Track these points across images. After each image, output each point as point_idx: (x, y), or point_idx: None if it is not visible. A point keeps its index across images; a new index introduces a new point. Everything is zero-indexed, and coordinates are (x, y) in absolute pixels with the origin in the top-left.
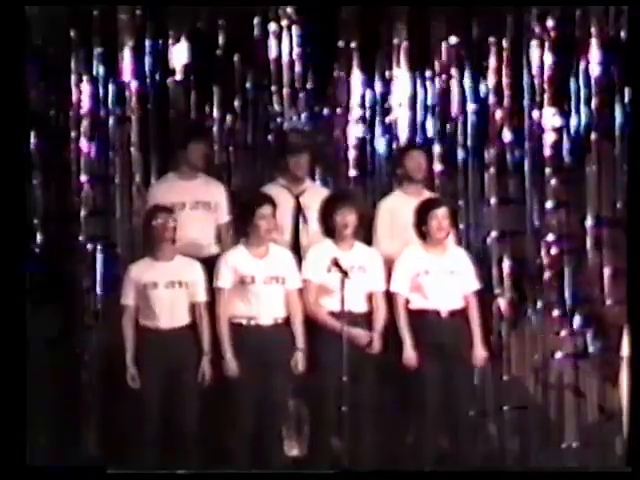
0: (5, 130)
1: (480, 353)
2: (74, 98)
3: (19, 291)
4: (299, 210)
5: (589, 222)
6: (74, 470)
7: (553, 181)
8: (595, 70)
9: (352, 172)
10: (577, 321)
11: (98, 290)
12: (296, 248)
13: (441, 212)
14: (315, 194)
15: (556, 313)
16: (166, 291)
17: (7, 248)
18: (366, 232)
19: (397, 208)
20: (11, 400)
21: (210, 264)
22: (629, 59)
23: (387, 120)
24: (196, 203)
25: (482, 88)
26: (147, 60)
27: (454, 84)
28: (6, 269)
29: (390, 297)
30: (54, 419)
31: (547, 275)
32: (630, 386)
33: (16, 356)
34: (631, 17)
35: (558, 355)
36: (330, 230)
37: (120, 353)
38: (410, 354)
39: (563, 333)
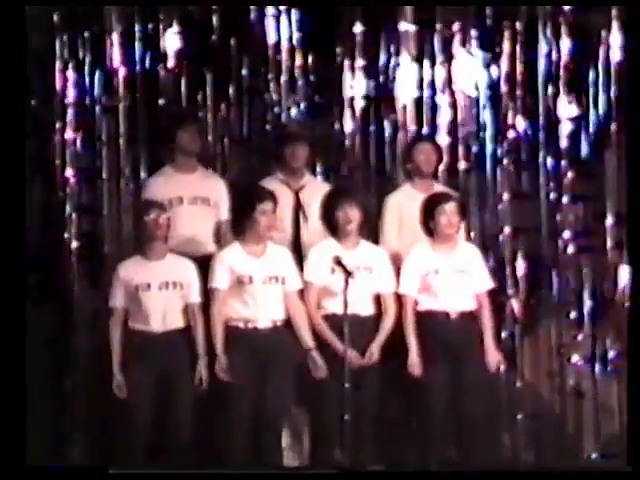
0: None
1: (493, 357)
2: (58, 86)
3: (19, 291)
4: (299, 206)
5: (609, 218)
6: (74, 470)
7: (570, 174)
8: (616, 55)
9: (355, 166)
10: (595, 324)
11: (84, 291)
12: (296, 247)
13: (450, 207)
14: (316, 190)
15: (573, 315)
16: (159, 293)
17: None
18: (371, 229)
19: (406, 204)
20: (11, 400)
21: (206, 264)
22: None
23: (393, 110)
24: (194, 198)
25: (494, 75)
26: (137, 45)
27: (464, 71)
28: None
29: (399, 299)
30: (54, 419)
31: (563, 275)
32: (630, 385)
33: (16, 356)
34: None
35: (575, 359)
36: (333, 227)
37: (108, 358)
38: (415, 361)
39: (580, 337)
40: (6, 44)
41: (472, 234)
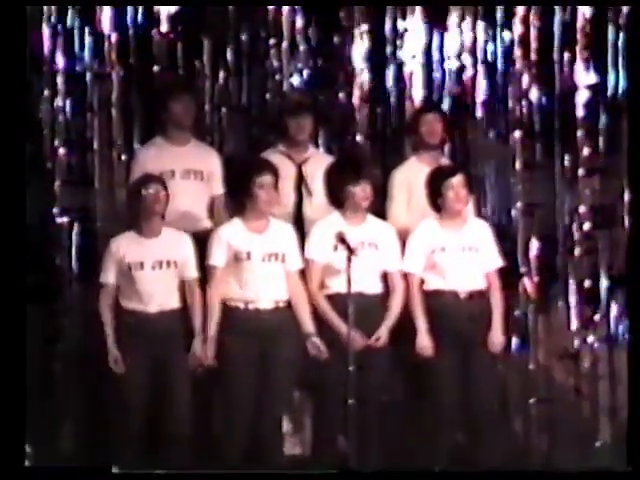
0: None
1: (497, 338)
2: (46, 52)
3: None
4: (302, 180)
5: (627, 192)
6: (76, 470)
7: (586, 145)
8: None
9: (359, 136)
10: (612, 303)
11: (74, 268)
12: (299, 223)
13: (457, 180)
14: (319, 162)
15: (589, 294)
16: (153, 272)
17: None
18: (378, 203)
19: (413, 178)
20: (10, 400)
21: (201, 240)
22: None
23: (400, 77)
24: (187, 172)
25: (507, 40)
26: (129, 9)
27: (475, 35)
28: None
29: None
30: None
31: (578, 252)
32: (630, 385)
33: (15, 356)
34: None
35: (590, 341)
36: (338, 201)
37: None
38: (425, 341)
39: (597, 317)
40: (6, 44)
41: (482, 210)
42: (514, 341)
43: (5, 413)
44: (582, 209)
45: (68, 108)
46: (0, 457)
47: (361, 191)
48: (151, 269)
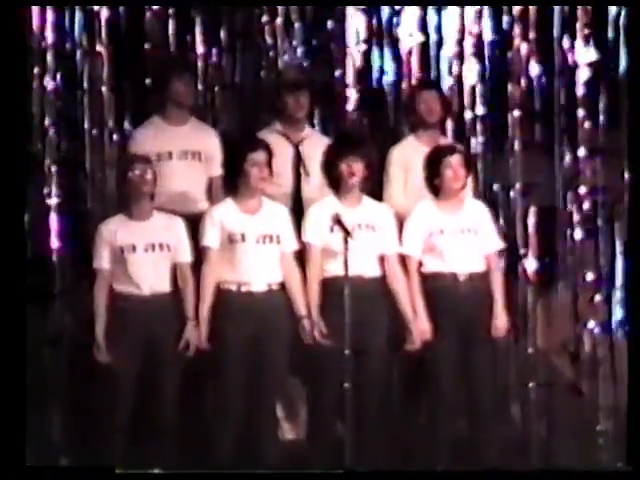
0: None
1: (501, 322)
2: (35, 28)
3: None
4: (299, 161)
5: (627, 173)
6: (76, 470)
7: (587, 124)
8: None
9: (356, 114)
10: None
11: (64, 252)
12: (297, 204)
13: (455, 159)
14: (317, 142)
15: (590, 277)
16: (146, 255)
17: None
18: (375, 184)
19: (411, 158)
20: (11, 400)
21: (197, 223)
22: None
23: (396, 55)
24: (184, 153)
25: (505, 16)
26: None
27: (473, 11)
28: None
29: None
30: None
31: (579, 233)
32: (630, 385)
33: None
34: None
35: (591, 325)
36: (334, 181)
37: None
38: (424, 325)
39: (597, 299)
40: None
41: (480, 190)
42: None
43: (5, 413)
44: (582, 190)
45: (58, 86)
46: (0, 457)
47: (348, 168)
48: (144, 251)
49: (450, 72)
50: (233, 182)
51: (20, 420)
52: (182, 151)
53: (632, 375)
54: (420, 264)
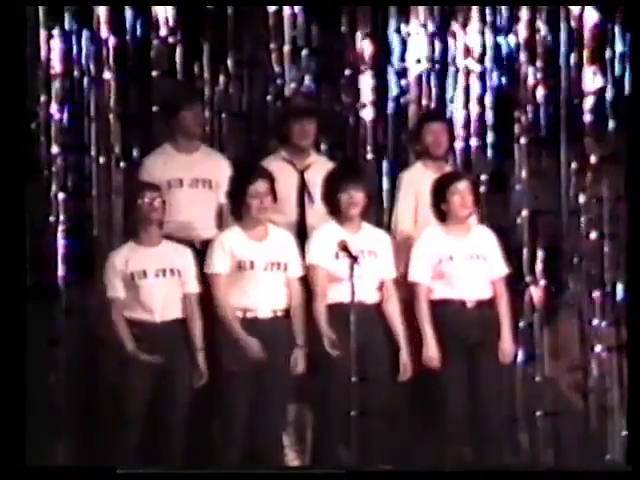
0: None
1: (508, 348)
2: (43, 56)
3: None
4: (304, 187)
5: (623, 200)
6: (76, 470)
7: (593, 152)
8: None
9: (364, 147)
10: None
11: (71, 278)
12: (301, 230)
13: (463, 186)
14: (322, 169)
15: (597, 302)
16: (157, 280)
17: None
18: (375, 213)
19: (420, 183)
20: (11, 400)
21: (204, 250)
22: None
23: (403, 82)
24: (195, 181)
25: (512, 43)
26: (127, 13)
27: (479, 39)
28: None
29: (406, 286)
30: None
31: (586, 260)
32: (630, 385)
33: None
34: None
35: (598, 349)
36: (335, 209)
37: (107, 348)
38: (432, 352)
39: (604, 325)
40: (6, 45)
41: (487, 217)
42: (520, 352)
43: (5, 413)
44: (590, 217)
45: (65, 114)
46: (0, 457)
47: (349, 198)
48: (155, 277)
49: (456, 100)
50: (237, 210)
51: (20, 420)
52: (193, 179)
53: (632, 375)
54: (428, 291)
